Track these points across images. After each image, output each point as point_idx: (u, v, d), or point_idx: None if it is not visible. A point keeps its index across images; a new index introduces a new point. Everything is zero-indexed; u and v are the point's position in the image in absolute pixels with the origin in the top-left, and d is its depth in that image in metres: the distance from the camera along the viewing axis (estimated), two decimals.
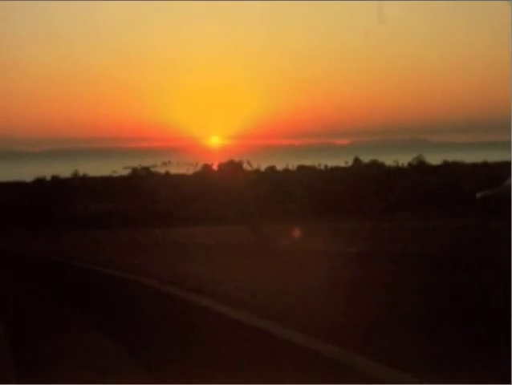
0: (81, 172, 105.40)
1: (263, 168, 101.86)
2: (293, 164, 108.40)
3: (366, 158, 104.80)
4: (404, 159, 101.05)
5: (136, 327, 10.61)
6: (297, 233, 34.78)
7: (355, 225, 43.27)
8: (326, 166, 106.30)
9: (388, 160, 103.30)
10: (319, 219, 60.41)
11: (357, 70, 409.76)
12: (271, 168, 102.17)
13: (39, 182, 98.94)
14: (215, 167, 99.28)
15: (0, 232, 61.31)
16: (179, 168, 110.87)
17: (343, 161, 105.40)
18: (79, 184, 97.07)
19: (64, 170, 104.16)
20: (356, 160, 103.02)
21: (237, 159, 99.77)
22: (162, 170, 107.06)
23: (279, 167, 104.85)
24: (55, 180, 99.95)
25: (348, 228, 40.60)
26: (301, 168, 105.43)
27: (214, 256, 23.77)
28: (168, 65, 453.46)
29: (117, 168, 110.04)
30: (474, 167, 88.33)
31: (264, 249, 26.11)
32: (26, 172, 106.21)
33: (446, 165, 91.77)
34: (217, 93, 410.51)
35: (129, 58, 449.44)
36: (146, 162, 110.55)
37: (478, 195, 31.83)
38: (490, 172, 62.81)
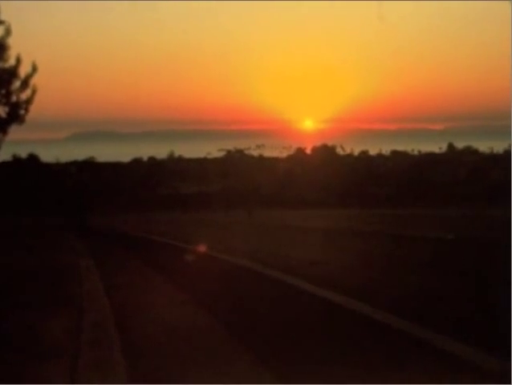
0: (176, 154, 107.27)
1: (356, 152, 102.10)
2: (386, 148, 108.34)
3: (460, 144, 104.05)
4: (499, 145, 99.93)
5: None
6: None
7: (451, 213, 43.36)
8: (419, 151, 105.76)
9: (483, 146, 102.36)
10: (413, 204, 60.66)
11: (454, 56, 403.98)
12: (364, 153, 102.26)
13: (136, 162, 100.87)
14: (308, 150, 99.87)
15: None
16: (272, 151, 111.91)
17: (437, 147, 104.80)
18: (174, 166, 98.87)
19: (160, 151, 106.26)
20: (450, 145, 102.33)
21: (330, 143, 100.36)
22: (256, 153, 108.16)
23: (372, 151, 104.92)
24: (152, 161, 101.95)
25: (445, 215, 40.70)
26: (394, 152, 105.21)
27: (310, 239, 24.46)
28: (266, 48, 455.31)
29: (212, 150, 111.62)
30: None
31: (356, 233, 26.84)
32: (124, 153, 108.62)
33: None
34: (311, 77, 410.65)
35: (228, 42, 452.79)
36: (241, 144, 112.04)
37: None
38: None
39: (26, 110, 29.87)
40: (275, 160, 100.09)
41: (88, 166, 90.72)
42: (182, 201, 76.19)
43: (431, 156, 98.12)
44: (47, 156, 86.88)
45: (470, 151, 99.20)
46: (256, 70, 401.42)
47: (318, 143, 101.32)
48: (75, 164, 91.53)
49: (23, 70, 29.67)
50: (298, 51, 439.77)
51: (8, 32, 29.08)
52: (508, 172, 62.82)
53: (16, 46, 30.13)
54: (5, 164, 61.83)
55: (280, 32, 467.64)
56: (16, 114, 29.68)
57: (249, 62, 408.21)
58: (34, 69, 30.01)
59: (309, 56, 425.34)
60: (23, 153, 76.06)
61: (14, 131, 30.61)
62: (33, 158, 73.77)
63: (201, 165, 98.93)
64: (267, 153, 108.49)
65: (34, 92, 29.98)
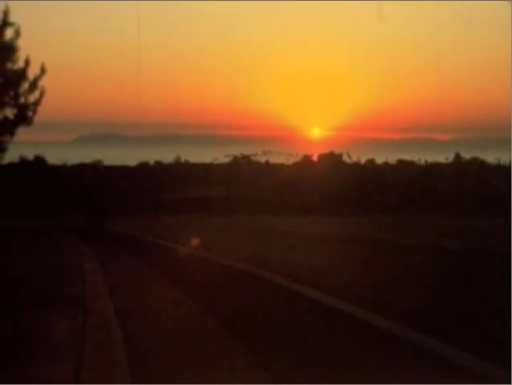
0: (183, 158, 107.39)
1: (363, 160, 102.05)
2: (392, 157, 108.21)
3: (467, 154, 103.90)
4: (506, 156, 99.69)
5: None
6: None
7: (457, 222, 43.44)
8: (426, 161, 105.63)
9: (489, 157, 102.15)
10: (418, 212, 60.70)
11: (461, 65, 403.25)
12: (371, 161, 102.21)
13: (142, 166, 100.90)
14: (315, 158, 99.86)
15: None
16: (279, 157, 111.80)
17: (443, 157, 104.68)
18: (181, 170, 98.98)
19: (167, 155, 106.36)
20: (457, 156, 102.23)
21: (337, 150, 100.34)
22: (262, 159, 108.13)
23: (379, 160, 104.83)
24: (158, 165, 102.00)
25: (449, 224, 40.81)
26: (400, 162, 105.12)
27: (315, 245, 24.60)
28: (275, 54, 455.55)
29: (218, 156, 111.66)
30: None
31: (357, 240, 26.97)
32: (130, 156, 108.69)
33: None
34: (319, 84, 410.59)
35: (236, 47, 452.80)
36: (247, 150, 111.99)
37: None
38: None
39: (34, 112, 30.06)
40: (281, 166, 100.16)
41: (95, 169, 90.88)
42: (188, 205, 76.33)
43: (437, 166, 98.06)
44: (54, 158, 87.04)
45: (477, 162, 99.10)
46: (264, 77, 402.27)
47: (325, 150, 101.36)
48: (82, 166, 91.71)
49: (32, 72, 29.85)
50: (305, 58, 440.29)
51: (17, 34, 29.30)
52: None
53: (25, 48, 30.28)
54: (12, 165, 62.07)
55: (289, 39, 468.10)
56: (24, 116, 29.86)
57: (257, 67, 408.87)
58: (43, 71, 30.21)
59: (317, 64, 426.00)
60: (30, 155, 76.26)
61: (21, 133, 30.77)
62: (39, 160, 73.97)
63: (207, 170, 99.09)
64: (274, 160, 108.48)
65: (42, 94, 30.18)
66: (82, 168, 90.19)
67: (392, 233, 31.70)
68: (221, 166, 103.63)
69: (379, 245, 24.36)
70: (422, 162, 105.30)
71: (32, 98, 29.96)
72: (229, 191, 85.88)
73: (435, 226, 38.58)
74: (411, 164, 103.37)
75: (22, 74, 29.63)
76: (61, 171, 79.58)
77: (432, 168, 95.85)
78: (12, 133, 30.05)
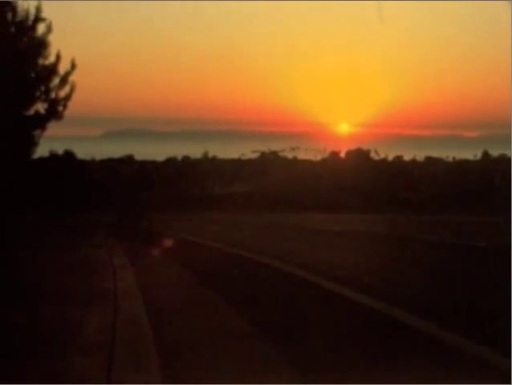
0: (211, 154, 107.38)
1: (391, 157, 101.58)
2: (420, 154, 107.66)
3: (495, 152, 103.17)
4: None
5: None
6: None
7: (480, 219, 43.21)
8: (454, 158, 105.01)
9: None
10: (445, 211, 60.42)
11: (490, 61, 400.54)
12: (398, 158, 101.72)
13: (170, 162, 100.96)
14: (342, 154, 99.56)
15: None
16: (307, 153, 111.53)
17: (471, 154, 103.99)
18: (208, 166, 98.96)
19: (195, 151, 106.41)
20: (485, 153, 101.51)
21: (364, 147, 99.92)
22: (290, 155, 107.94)
23: (407, 157, 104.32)
24: (186, 160, 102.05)
25: (478, 222, 40.60)
26: (428, 159, 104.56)
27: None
28: (304, 51, 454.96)
29: (246, 151, 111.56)
30: None
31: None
32: (158, 152, 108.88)
33: None
34: (347, 80, 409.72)
35: (265, 44, 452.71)
36: (275, 146, 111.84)
37: None
38: None
39: (65, 106, 30.28)
40: (309, 162, 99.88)
41: (126, 164, 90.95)
42: (208, 203, 75.94)
43: (465, 163, 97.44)
44: (82, 152, 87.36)
45: (505, 159, 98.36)
46: (293, 73, 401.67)
47: (353, 147, 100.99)
48: (111, 161, 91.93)
49: (62, 68, 30.07)
50: (334, 55, 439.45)
51: (49, 29, 29.51)
52: None
53: (56, 43, 30.52)
54: (43, 159, 62.38)
55: (318, 36, 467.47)
56: (55, 110, 30.08)
57: (285, 64, 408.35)
58: (73, 66, 30.41)
59: (345, 60, 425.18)
60: (59, 149, 76.52)
61: (51, 127, 31.00)
62: (69, 154, 74.23)
63: (235, 166, 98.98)
64: (301, 156, 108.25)
65: (72, 89, 30.40)
66: (110, 163, 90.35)
67: (432, 233, 31.33)
68: (249, 162, 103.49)
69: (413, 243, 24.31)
70: (450, 159, 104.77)
71: (63, 93, 30.18)
72: (257, 187, 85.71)
73: (466, 225, 38.42)
74: (439, 161, 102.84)
75: (53, 69, 29.84)
76: (90, 166, 79.80)
77: (461, 166, 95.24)
78: (43, 128, 30.28)
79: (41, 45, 29.24)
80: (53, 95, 30.01)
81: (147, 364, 6.74)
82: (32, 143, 30.53)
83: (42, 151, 54.17)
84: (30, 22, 28.87)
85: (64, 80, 30.12)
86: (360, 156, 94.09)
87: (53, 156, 68.66)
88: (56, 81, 30.04)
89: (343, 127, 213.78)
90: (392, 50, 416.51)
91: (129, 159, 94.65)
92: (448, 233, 28.45)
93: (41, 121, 29.86)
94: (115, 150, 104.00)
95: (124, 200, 29.52)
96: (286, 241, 27.46)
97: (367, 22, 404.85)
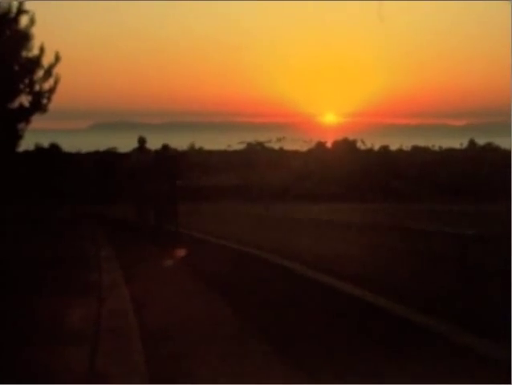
0: (197, 145, 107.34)
1: (377, 147, 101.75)
2: (407, 144, 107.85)
3: (481, 140, 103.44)
4: None
5: None
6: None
7: (469, 208, 43.26)
8: (440, 147, 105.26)
9: (505, 142, 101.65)
10: (432, 200, 60.60)
11: (475, 49, 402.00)
12: (385, 148, 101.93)
13: (156, 154, 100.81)
14: (329, 144, 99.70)
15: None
16: (293, 144, 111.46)
17: (457, 143, 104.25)
18: (195, 157, 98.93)
19: (181, 143, 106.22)
20: (471, 142, 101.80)
21: (351, 137, 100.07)
22: (276, 146, 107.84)
23: (393, 147, 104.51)
24: (173, 152, 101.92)
25: (464, 211, 40.61)
26: (415, 148, 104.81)
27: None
28: (288, 41, 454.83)
29: (232, 143, 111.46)
30: None
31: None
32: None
33: None
34: (333, 70, 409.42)
35: (249, 34, 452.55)
36: (261, 137, 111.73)
37: None
38: None
39: (49, 99, 30.18)
40: (295, 153, 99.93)
41: (109, 157, 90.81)
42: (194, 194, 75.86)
43: (451, 152, 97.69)
44: (68, 145, 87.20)
45: (491, 148, 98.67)
46: (278, 63, 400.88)
47: (339, 137, 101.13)
48: (96, 154, 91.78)
49: (46, 60, 29.96)
50: (320, 45, 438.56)
51: (32, 22, 29.38)
52: None
53: (40, 36, 30.37)
54: (28, 153, 62.23)
55: (302, 25, 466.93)
56: (39, 103, 29.97)
57: (271, 55, 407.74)
58: (57, 59, 30.31)
59: (331, 50, 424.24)
60: (45, 142, 76.38)
61: (36, 121, 30.89)
62: (55, 148, 74.16)
63: (222, 157, 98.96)
64: (288, 146, 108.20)
65: (56, 82, 30.30)
66: (98, 156, 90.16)
67: (418, 221, 31.26)
68: (235, 153, 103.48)
69: (398, 231, 24.32)
70: (436, 148, 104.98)
71: (47, 85, 30.08)
72: (244, 178, 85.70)
73: (452, 213, 38.46)
74: (426, 149, 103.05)
75: (36, 61, 29.73)
76: (77, 158, 79.69)
77: (448, 154, 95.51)
78: (28, 121, 30.18)
79: (24, 37, 29.12)
80: (37, 87, 29.94)
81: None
82: (17, 137, 30.43)
83: (27, 144, 54.06)
84: (12, 15, 28.75)
85: (48, 73, 30.04)
86: (347, 146, 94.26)
87: (38, 150, 68.60)
88: (40, 74, 29.96)
89: (329, 118, 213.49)
90: (378, 41, 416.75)
91: (111, 152, 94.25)
92: (441, 224, 28.34)
93: (25, 114, 29.76)
94: (102, 143, 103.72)
95: (153, 193, 21.28)
96: (272, 231, 27.21)
97: (353, 12, 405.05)
